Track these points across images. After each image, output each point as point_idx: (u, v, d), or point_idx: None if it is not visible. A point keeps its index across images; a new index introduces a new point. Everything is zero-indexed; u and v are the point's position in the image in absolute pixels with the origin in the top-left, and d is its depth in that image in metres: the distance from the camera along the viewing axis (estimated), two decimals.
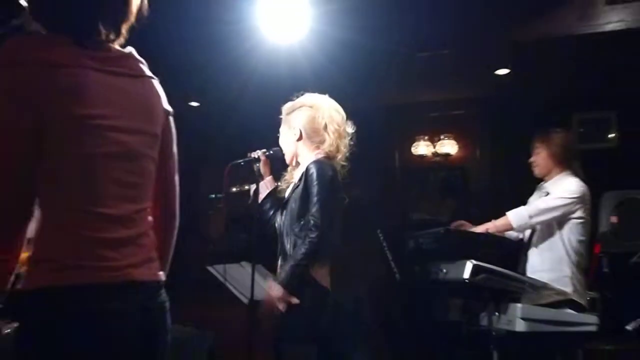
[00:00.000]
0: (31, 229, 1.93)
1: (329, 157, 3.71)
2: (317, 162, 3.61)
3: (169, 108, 2.14)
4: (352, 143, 3.76)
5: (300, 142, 3.73)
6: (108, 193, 1.91)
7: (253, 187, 3.87)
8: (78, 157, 1.87)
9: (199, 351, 4.96)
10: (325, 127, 3.69)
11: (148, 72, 2.08)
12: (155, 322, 1.99)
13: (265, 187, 3.86)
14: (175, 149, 2.18)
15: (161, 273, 2.07)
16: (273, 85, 5.64)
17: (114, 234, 1.90)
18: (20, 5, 2.09)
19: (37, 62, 1.82)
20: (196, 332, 4.99)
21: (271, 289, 3.45)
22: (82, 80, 1.87)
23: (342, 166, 3.73)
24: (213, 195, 7.33)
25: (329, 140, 3.67)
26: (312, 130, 3.70)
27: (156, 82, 2.11)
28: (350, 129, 3.76)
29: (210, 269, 4.07)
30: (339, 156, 3.71)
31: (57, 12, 1.95)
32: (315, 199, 3.51)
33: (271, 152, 3.86)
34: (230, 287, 4.02)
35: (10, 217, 1.86)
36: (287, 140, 3.78)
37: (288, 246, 3.61)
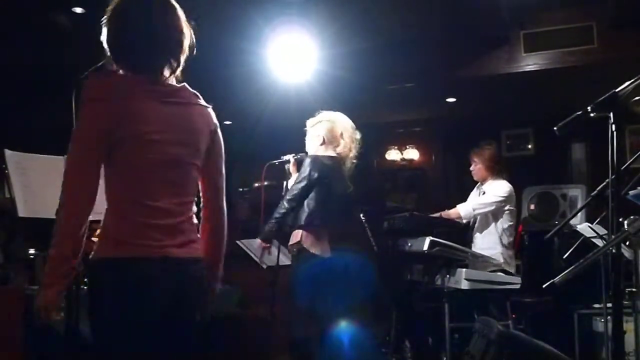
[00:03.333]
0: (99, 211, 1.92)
1: (333, 158, 3.70)
2: (313, 158, 3.63)
3: (214, 125, 2.07)
4: (359, 145, 3.79)
5: (322, 147, 3.74)
6: (157, 190, 1.89)
7: (284, 183, 3.86)
8: (137, 164, 1.87)
9: (230, 301, 4.94)
10: (342, 134, 3.73)
11: (200, 101, 2.03)
12: (186, 290, 1.94)
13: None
14: (221, 158, 2.12)
15: (199, 251, 2.01)
16: (283, 108, 5.63)
17: (159, 221, 1.89)
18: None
19: (113, 98, 1.83)
20: (228, 287, 4.96)
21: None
22: (141, 106, 1.86)
23: (352, 163, 3.76)
24: (241, 189, 7.32)
25: (343, 143, 3.72)
26: (332, 137, 3.74)
27: (206, 109, 2.05)
28: (358, 135, 3.79)
29: (238, 242, 4.03)
30: (351, 155, 3.76)
31: (129, 59, 1.93)
32: (294, 184, 3.62)
33: (299, 156, 3.88)
34: (253, 256, 3.98)
35: (90, 201, 1.85)
36: (313, 144, 3.80)
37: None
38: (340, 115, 3.80)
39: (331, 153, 3.74)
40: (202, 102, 2.04)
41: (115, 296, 1.83)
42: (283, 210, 3.62)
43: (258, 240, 3.74)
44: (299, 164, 3.87)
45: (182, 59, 1.98)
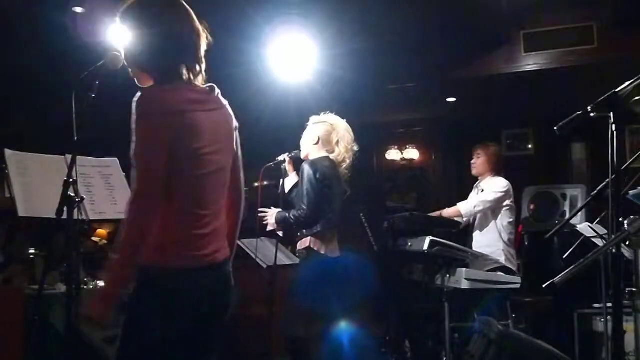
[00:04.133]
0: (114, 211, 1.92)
1: (329, 159, 3.70)
2: (309, 162, 3.65)
3: (236, 124, 2.11)
4: (355, 157, 3.79)
5: (316, 146, 3.75)
6: (205, 199, 1.93)
7: (281, 181, 3.90)
8: (190, 176, 1.89)
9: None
10: (338, 142, 3.73)
11: (224, 100, 2.05)
12: (223, 291, 2.00)
13: (291, 181, 3.88)
14: (239, 150, 2.14)
15: (229, 250, 2.05)
16: (282, 109, 5.62)
17: (207, 229, 1.92)
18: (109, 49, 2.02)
19: (171, 110, 1.85)
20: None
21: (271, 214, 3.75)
22: (196, 122, 1.88)
23: (346, 172, 3.77)
24: None
25: (338, 151, 3.73)
26: (326, 141, 3.75)
27: (228, 108, 2.07)
28: (356, 147, 3.79)
29: (238, 242, 4.02)
30: (344, 165, 3.76)
31: (160, 65, 1.94)
32: (304, 190, 3.59)
33: (293, 154, 3.89)
34: (253, 255, 3.98)
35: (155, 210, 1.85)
36: (307, 141, 3.82)
37: None
38: (343, 124, 3.81)
39: (325, 154, 3.74)
40: (223, 100, 2.05)
41: (164, 303, 1.85)
42: (303, 215, 3.59)
43: (272, 219, 3.73)
44: (295, 162, 3.89)
45: (203, 58, 1.99)
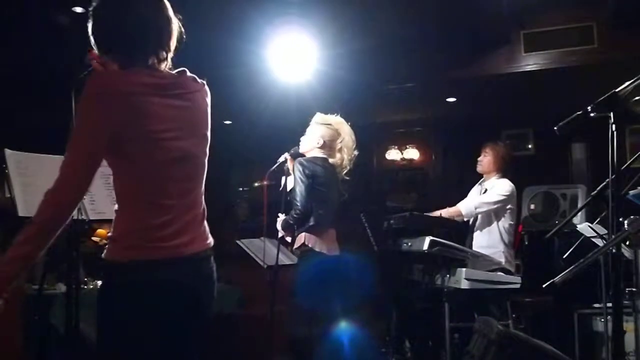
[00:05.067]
0: (110, 210, 1.89)
1: (325, 159, 3.72)
2: (301, 161, 3.67)
3: (209, 99, 2.02)
4: (354, 162, 3.81)
5: (317, 149, 3.77)
6: (170, 188, 1.84)
7: (283, 180, 3.91)
8: (149, 163, 1.81)
9: (230, 300, 4.93)
10: (340, 149, 3.76)
11: (198, 83, 1.98)
12: (200, 287, 1.90)
13: (293, 180, 3.89)
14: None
15: (209, 244, 1.97)
16: (283, 109, 5.63)
17: (174, 220, 1.84)
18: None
19: (115, 93, 1.76)
20: (228, 287, 4.96)
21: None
22: (148, 105, 1.80)
23: (344, 177, 3.79)
24: (241, 189, 7.31)
25: (339, 157, 3.76)
26: (329, 146, 3.77)
27: (204, 87, 1.99)
28: (355, 152, 3.82)
29: (238, 242, 4.03)
30: (343, 171, 3.79)
31: (122, 50, 1.88)
32: (295, 189, 3.64)
33: (292, 152, 3.88)
34: (253, 256, 3.99)
35: (79, 198, 1.81)
36: (310, 140, 3.83)
37: None
38: (347, 130, 3.83)
39: (323, 155, 3.76)
40: (199, 81, 1.99)
41: (130, 300, 1.79)
42: (299, 212, 3.64)
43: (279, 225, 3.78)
44: (295, 159, 3.90)
45: (173, 48, 1.94)
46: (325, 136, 3.78)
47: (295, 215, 3.65)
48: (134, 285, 1.78)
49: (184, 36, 1.97)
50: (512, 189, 4.68)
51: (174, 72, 1.94)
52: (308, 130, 3.85)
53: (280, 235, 3.84)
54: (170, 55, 1.94)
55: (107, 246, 1.87)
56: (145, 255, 1.79)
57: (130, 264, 1.79)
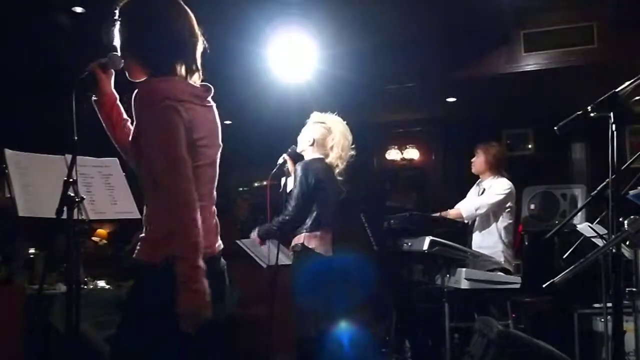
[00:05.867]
0: (114, 211, 1.93)
1: (323, 160, 3.72)
2: (303, 164, 3.68)
3: None
4: (351, 160, 3.80)
5: (310, 147, 3.77)
6: (201, 191, 1.91)
7: (283, 180, 3.92)
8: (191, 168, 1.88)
9: (230, 300, 4.92)
10: (332, 147, 3.75)
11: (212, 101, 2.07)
12: (219, 288, 1.96)
13: (293, 180, 3.89)
14: None
15: (220, 244, 2.04)
16: (283, 109, 5.63)
17: (206, 222, 1.90)
18: (107, 47, 2.03)
19: (171, 99, 1.84)
20: (228, 287, 4.96)
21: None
22: (194, 112, 1.89)
23: (339, 174, 3.78)
24: (241, 189, 7.31)
25: (332, 155, 3.75)
26: (321, 144, 3.77)
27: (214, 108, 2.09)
28: (352, 152, 3.81)
29: (238, 242, 4.03)
30: (337, 170, 3.78)
31: (153, 63, 1.94)
32: (294, 193, 3.64)
33: (289, 151, 3.89)
34: (253, 255, 3.99)
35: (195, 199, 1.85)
36: (303, 139, 3.83)
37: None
38: (341, 128, 3.81)
39: (319, 155, 3.76)
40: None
41: (164, 299, 1.80)
42: (287, 218, 3.65)
43: (254, 234, 3.76)
44: (294, 158, 3.90)
45: (199, 60, 2.01)
46: (316, 134, 3.78)
47: (282, 220, 3.65)
48: (167, 284, 1.79)
49: (208, 50, 2.04)
50: (511, 187, 4.69)
51: (200, 86, 2.01)
52: (303, 129, 3.87)
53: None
54: (199, 68, 2.00)
55: (140, 247, 1.93)
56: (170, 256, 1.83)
57: (167, 263, 1.81)
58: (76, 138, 2.13)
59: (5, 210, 3.45)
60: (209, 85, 2.03)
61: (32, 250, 4.69)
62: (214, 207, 2.04)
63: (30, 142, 3.09)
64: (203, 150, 1.92)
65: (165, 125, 1.83)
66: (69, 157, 2.46)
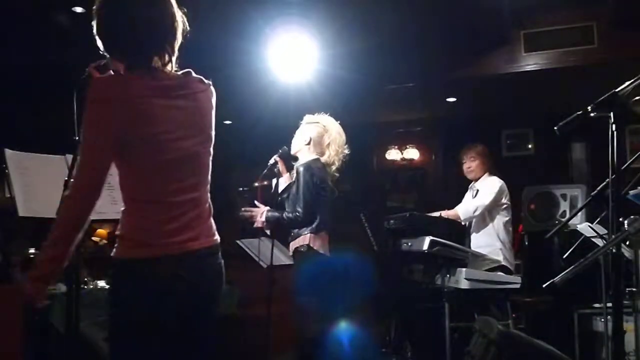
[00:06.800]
0: (114, 211, 1.94)
1: (320, 160, 3.73)
2: (304, 165, 3.67)
3: (214, 100, 2.05)
4: (345, 159, 3.80)
5: (306, 146, 3.77)
6: (174, 187, 1.88)
7: (274, 181, 3.91)
8: (151, 164, 1.86)
9: (230, 301, 4.92)
10: (329, 145, 3.76)
11: (204, 84, 2.00)
12: (207, 284, 1.94)
13: (284, 181, 3.90)
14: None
15: (216, 240, 2.00)
16: (283, 109, 5.62)
17: (179, 217, 1.88)
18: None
19: (117, 98, 1.81)
20: (228, 287, 4.95)
21: (260, 212, 3.75)
22: (150, 106, 1.84)
23: (334, 174, 3.78)
24: (241, 188, 7.31)
25: (328, 154, 3.75)
26: (318, 143, 3.77)
27: (210, 87, 2.02)
28: (346, 150, 3.81)
29: (238, 242, 4.03)
30: (333, 167, 3.78)
31: (124, 49, 1.91)
32: (300, 195, 3.62)
33: (280, 152, 3.89)
34: (253, 255, 3.99)
35: (94, 198, 1.85)
36: (299, 140, 3.84)
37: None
38: (336, 126, 3.83)
39: (314, 156, 3.77)
40: (205, 82, 2.01)
41: (138, 297, 1.82)
42: (299, 218, 3.62)
43: (263, 214, 3.74)
44: (284, 159, 3.91)
45: (177, 46, 1.96)
46: (312, 133, 3.80)
47: (292, 218, 3.64)
48: (141, 283, 1.82)
49: (188, 32, 1.98)
50: (502, 184, 4.73)
51: (179, 72, 1.96)
52: (297, 131, 3.87)
53: (257, 226, 3.82)
54: (175, 56, 1.96)
55: (115, 245, 1.91)
56: (152, 252, 1.83)
57: (138, 261, 1.83)
58: (76, 138, 2.13)
59: (5, 210, 3.45)
60: (188, 71, 1.97)
61: (32, 250, 4.69)
62: (203, 200, 1.97)
63: (30, 142, 3.09)
64: (170, 144, 1.86)
65: (92, 124, 1.81)
66: (69, 157, 2.47)
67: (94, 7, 1.93)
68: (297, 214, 3.61)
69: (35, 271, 1.85)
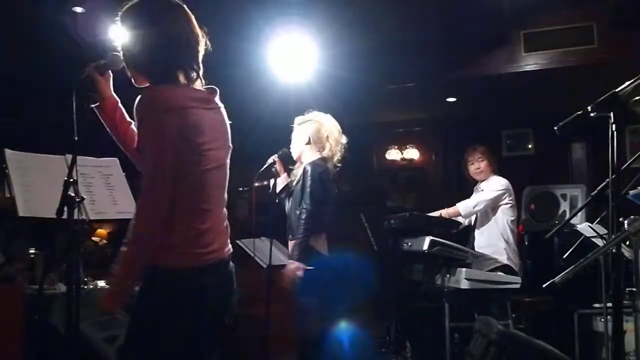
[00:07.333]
0: (114, 211, 1.97)
1: (324, 159, 3.73)
2: (312, 164, 3.65)
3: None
4: (344, 149, 3.78)
5: (307, 146, 3.76)
6: (211, 196, 1.96)
7: (272, 181, 3.90)
8: (195, 172, 1.91)
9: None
10: (327, 137, 3.74)
11: (220, 103, 2.09)
12: (229, 289, 2.02)
13: (282, 182, 3.89)
14: None
15: (230, 248, 2.08)
16: (283, 109, 5.62)
17: (215, 226, 1.96)
18: (109, 49, 2.04)
19: (174, 108, 1.87)
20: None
21: (291, 264, 3.50)
22: (199, 117, 1.92)
23: (335, 166, 3.76)
24: (240, 189, 7.31)
25: (329, 146, 3.73)
26: (317, 138, 3.75)
27: (223, 109, 2.11)
28: (344, 139, 3.79)
29: (238, 242, 4.03)
30: (335, 159, 3.76)
31: (147, 68, 1.97)
32: (307, 190, 3.55)
33: (280, 153, 3.89)
34: (253, 255, 3.99)
35: (166, 210, 1.87)
36: (298, 142, 3.81)
37: (292, 223, 3.66)
38: (328, 118, 3.82)
39: (317, 155, 3.75)
40: (220, 103, 2.09)
41: (173, 305, 1.86)
42: (304, 219, 3.57)
43: (292, 262, 3.54)
44: (284, 161, 3.90)
45: (201, 65, 2.03)
46: (309, 131, 3.78)
47: (302, 211, 3.57)
48: (178, 290, 1.86)
49: (210, 49, 2.05)
50: (506, 182, 4.72)
51: (205, 88, 2.03)
52: (293, 135, 3.86)
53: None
54: (201, 72, 2.02)
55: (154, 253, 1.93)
56: (194, 261, 1.88)
57: (177, 269, 1.87)
58: (76, 138, 2.13)
59: (5, 210, 3.45)
60: (214, 87, 2.05)
61: (32, 250, 4.69)
62: (224, 211, 2.05)
63: (30, 142, 3.09)
64: (209, 153, 1.94)
65: (158, 134, 1.85)
66: (69, 157, 2.47)
67: (120, 22, 1.97)
68: (306, 206, 3.57)
69: (114, 286, 1.91)
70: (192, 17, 2.00)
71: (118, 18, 1.98)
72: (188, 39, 1.96)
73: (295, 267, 3.49)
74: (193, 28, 1.98)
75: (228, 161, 2.07)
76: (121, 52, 2.00)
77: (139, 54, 1.96)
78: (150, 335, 1.87)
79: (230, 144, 2.09)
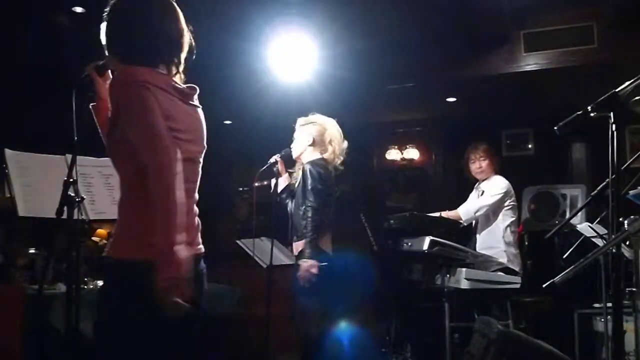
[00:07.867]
0: (114, 211, 1.90)
1: (325, 160, 3.74)
2: (311, 163, 3.67)
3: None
4: (346, 153, 3.80)
5: (310, 147, 3.78)
6: (181, 187, 1.83)
7: (273, 181, 3.91)
8: None
9: (230, 301, 4.93)
10: (330, 141, 3.77)
11: (198, 103, 2.05)
12: (195, 289, 1.86)
13: (283, 182, 3.90)
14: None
15: (201, 247, 1.99)
16: (283, 109, 5.62)
17: (181, 220, 1.81)
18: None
19: (149, 83, 1.81)
20: (228, 287, 4.96)
21: (305, 263, 3.50)
22: (173, 104, 1.87)
23: (336, 169, 3.79)
24: (241, 188, 7.31)
25: (331, 150, 3.76)
26: (320, 141, 3.78)
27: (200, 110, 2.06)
28: (345, 145, 3.82)
29: (238, 242, 4.04)
30: (335, 162, 3.79)
31: (135, 59, 1.90)
32: (309, 188, 3.58)
33: (282, 153, 3.90)
34: (253, 255, 3.99)
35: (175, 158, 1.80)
36: (301, 142, 3.84)
37: (296, 223, 3.70)
38: (331, 122, 3.85)
39: (319, 155, 3.78)
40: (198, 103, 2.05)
41: (134, 298, 1.76)
42: (307, 207, 3.58)
43: (304, 261, 3.54)
44: (286, 161, 3.92)
45: (183, 59, 1.99)
46: (313, 133, 3.81)
47: (306, 209, 3.57)
48: (141, 284, 1.73)
49: (195, 49, 2.02)
50: (507, 184, 4.71)
51: (186, 86, 1.99)
52: (295, 135, 3.87)
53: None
54: (182, 67, 1.99)
55: (110, 242, 1.88)
56: (150, 255, 1.74)
57: (141, 263, 1.75)
58: (76, 138, 2.13)
59: (5, 210, 3.45)
60: (193, 86, 2.01)
61: (32, 250, 4.69)
62: (195, 208, 1.98)
63: (30, 142, 3.09)
64: (183, 144, 1.86)
65: (141, 103, 1.78)
66: (69, 157, 2.47)
67: (108, 10, 1.95)
68: (310, 204, 3.57)
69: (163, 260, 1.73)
70: (180, 13, 1.98)
71: (107, 8, 1.96)
72: (173, 34, 1.94)
73: (309, 265, 3.50)
74: (179, 24, 1.96)
75: (201, 161, 1.99)
76: (105, 42, 1.96)
77: (122, 44, 1.93)
78: (121, 334, 1.81)
79: (205, 145, 2.02)
